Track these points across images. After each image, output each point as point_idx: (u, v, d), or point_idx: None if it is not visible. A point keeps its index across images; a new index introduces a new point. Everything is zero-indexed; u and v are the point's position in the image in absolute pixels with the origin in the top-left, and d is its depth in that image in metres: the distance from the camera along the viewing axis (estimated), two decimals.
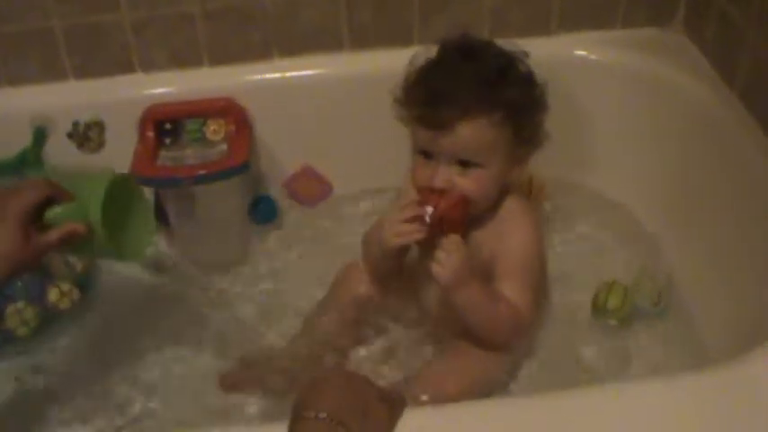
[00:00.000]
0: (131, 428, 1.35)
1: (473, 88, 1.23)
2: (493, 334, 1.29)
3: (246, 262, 1.68)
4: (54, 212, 1.11)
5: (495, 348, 1.32)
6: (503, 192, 1.33)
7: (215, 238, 1.64)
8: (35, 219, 1.10)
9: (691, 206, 1.55)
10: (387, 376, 1.37)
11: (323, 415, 0.90)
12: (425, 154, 1.26)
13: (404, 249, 1.31)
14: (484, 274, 1.29)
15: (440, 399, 1.25)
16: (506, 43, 1.30)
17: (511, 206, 1.33)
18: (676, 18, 1.71)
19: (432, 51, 1.30)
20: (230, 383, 1.40)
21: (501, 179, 1.29)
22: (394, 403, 0.98)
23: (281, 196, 1.78)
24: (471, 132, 1.22)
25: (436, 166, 1.25)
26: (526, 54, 1.30)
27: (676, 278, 1.54)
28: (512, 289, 1.29)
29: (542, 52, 1.64)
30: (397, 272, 1.39)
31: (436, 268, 1.22)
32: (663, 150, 1.62)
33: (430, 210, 1.23)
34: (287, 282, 1.63)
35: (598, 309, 1.49)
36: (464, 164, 1.24)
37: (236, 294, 1.61)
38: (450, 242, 1.22)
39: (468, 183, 1.25)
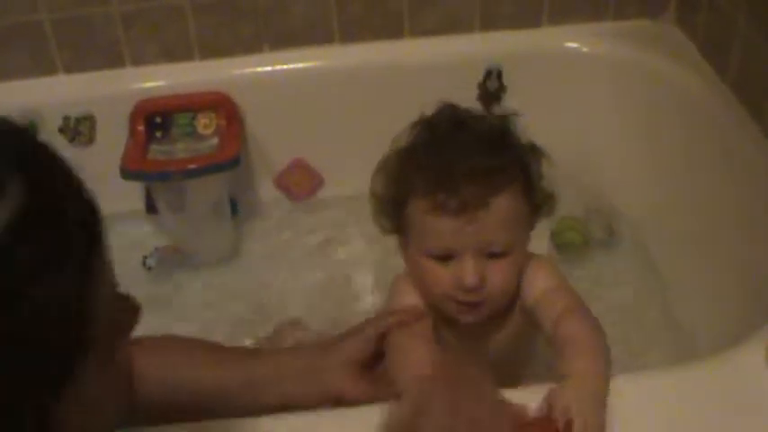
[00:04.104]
0: None
1: (489, 156, 1.03)
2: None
3: (235, 256, 1.68)
4: None
5: None
6: None
7: (204, 231, 1.64)
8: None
9: (681, 196, 1.55)
10: None
11: None
12: (442, 256, 1.05)
13: None
14: (527, 338, 1.17)
15: None
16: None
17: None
18: (668, 9, 1.70)
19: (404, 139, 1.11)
20: None
21: (524, 259, 1.11)
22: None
23: (272, 190, 1.78)
24: (505, 208, 1.03)
25: (459, 263, 1.04)
26: (514, 113, 1.14)
27: (660, 261, 1.57)
28: (564, 300, 1.07)
29: (533, 44, 1.65)
30: None
31: None
32: (654, 142, 1.62)
33: None
34: (276, 275, 1.63)
35: (557, 244, 1.58)
36: (494, 254, 1.05)
37: (226, 289, 1.61)
38: None
39: (500, 277, 1.06)
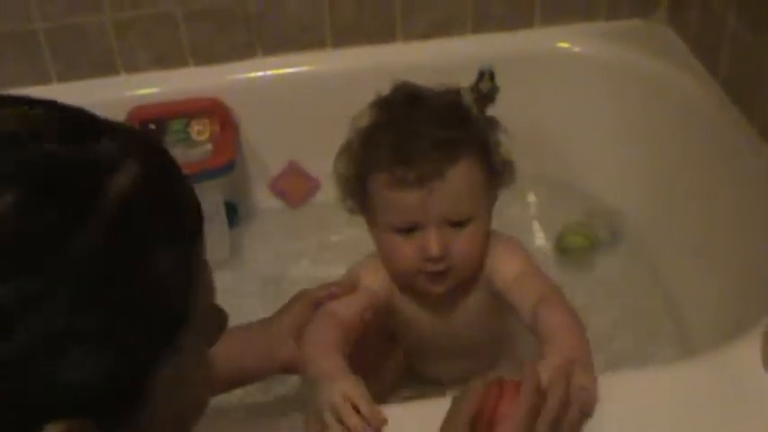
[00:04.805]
0: None
1: (444, 129, 1.07)
2: None
3: (231, 261, 1.68)
4: None
5: None
6: None
7: None
8: None
9: (676, 195, 1.55)
10: None
11: None
12: (405, 229, 1.09)
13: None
14: (490, 320, 1.22)
15: None
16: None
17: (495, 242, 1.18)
18: (660, 8, 1.71)
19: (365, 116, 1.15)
20: None
21: (488, 228, 1.15)
22: None
23: (266, 194, 1.78)
24: (462, 176, 1.07)
25: (423, 234, 1.08)
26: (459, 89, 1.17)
27: (657, 259, 1.58)
28: (540, 287, 1.11)
29: (525, 45, 1.65)
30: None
31: None
32: (647, 141, 1.62)
33: None
34: (272, 279, 1.63)
35: (562, 248, 1.59)
36: (456, 223, 1.09)
37: (221, 293, 1.59)
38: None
39: (464, 245, 1.10)
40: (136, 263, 0.58)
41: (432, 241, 1.07)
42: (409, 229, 1.09)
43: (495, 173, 1.13)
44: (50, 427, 0.55)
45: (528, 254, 1.19)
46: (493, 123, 1.15)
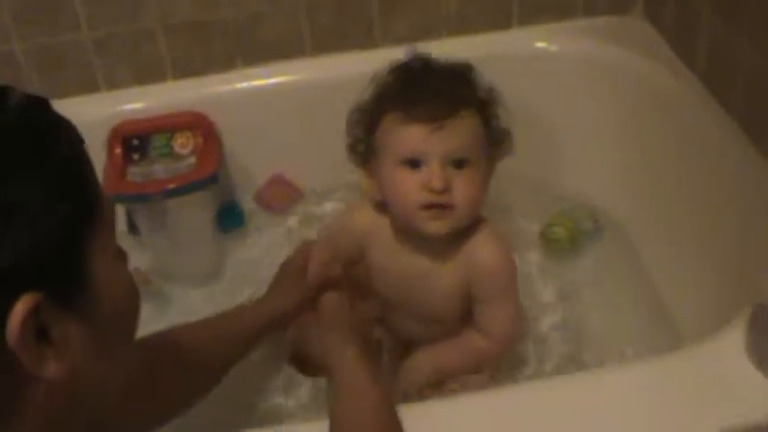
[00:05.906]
0: None
1: (453, 85, 1.20)
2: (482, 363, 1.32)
3: (220, 272, 1.68)
4: None
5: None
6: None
7: (188, 250, 1.64)
8: None
9: (656, 190, 1.56)
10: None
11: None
12: (412, 163, 1.17)
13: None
14: (459, 297, 1.28)
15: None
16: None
17: (480, 226, 1.27)
18: (636, 4, 1.72)
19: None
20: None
21: (486, 184, 1.23)
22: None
23: (250, 204, 1.79)
24: (466, 124, 1.17)
25: (428, 170, 1.16)
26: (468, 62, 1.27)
27: (642, 254, 1.60)
28: (501, 308, 1.27)
29: (502, 47, 1.66)
30: None
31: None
32: (627, 136, 1.63)
33: None
34: (262, 288, 1.62)
35: (546, 239, 1.62)
36: (458, 164, 1.17)
37: (212, 305, 1.60)
38: None
39: (464, 185, 1.17)
40: (47, 145, 0.70)
41: (435, 173, 1.15)
42: (415, 165, 1.17)
43: (495, 137, 1.23)
44: (19, 304, 0.63)
45: (513, 263, 1.28)
46: (493, 92, 1.24)
